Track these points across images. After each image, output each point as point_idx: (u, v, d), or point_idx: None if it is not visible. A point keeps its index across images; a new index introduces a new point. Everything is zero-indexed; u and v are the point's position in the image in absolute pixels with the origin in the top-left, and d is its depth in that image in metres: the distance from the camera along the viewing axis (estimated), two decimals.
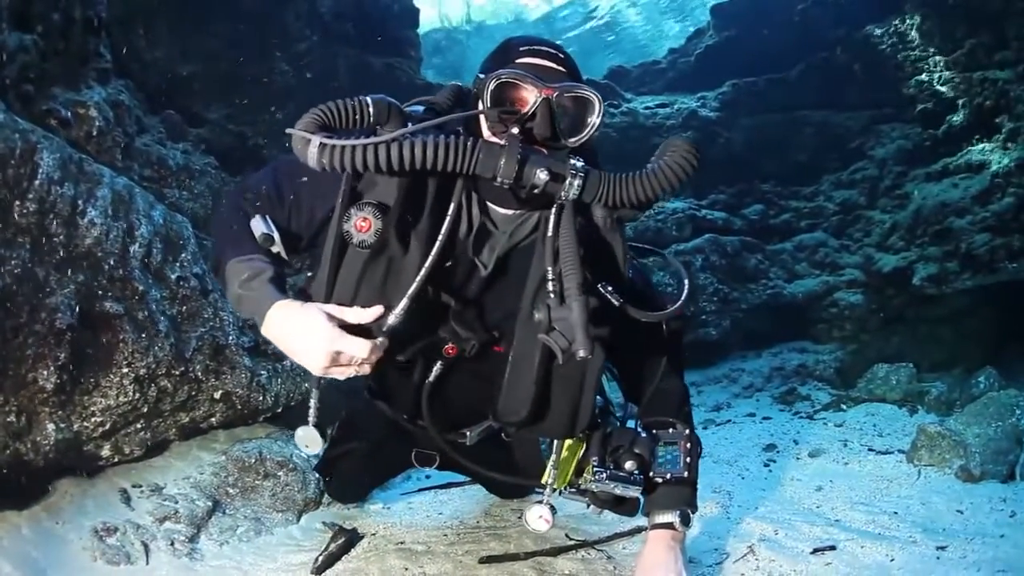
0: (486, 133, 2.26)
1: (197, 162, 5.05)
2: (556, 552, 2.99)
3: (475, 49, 27.57)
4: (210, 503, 3.37)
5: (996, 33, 8.36)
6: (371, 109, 2.12)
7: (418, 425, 2.79)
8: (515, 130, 2.17)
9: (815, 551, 2.96)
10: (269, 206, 2.41)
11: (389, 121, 2.14)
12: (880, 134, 9.55)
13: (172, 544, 3.05)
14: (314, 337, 2.13)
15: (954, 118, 8.72)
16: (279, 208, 2.42)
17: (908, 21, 9.60)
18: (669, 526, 2.57)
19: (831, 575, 2.75)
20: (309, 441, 2.53)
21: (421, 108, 2.45)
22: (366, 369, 2.23)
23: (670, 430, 2.64)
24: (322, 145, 1.98)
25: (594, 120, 2.26)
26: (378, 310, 2.22)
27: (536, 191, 2.13)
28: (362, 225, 2.19)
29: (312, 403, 2.53)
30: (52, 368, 2.97)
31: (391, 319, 2.23)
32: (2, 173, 2.90)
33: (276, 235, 2.32)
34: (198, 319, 3.71)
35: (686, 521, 2.56)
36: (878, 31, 9.89)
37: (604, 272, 2.31)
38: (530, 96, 2.20)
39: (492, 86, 2.20)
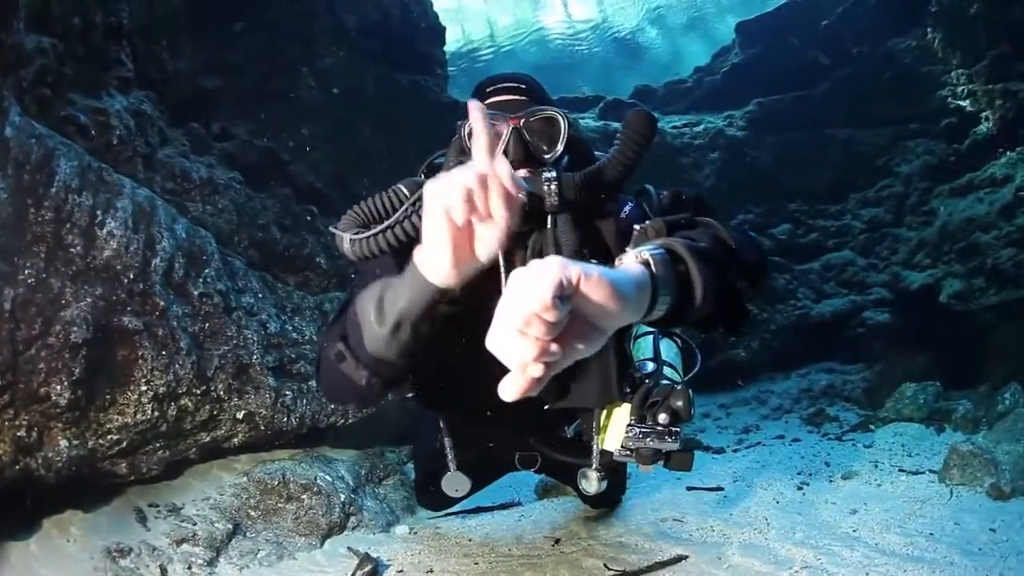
0: None
1: (221, 176, 4.98)
2: None
3: (499, 68, 27.81)
4: (230, 525, 3.29)
5: (1017, 44, 8.32)
6: (405, 192, 2.43)
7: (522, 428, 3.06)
8: None
9: None
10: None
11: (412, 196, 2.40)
12: (906, 150, 9.50)
13: (189, 568, 2.99)
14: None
15: (977, 131, 8.70)
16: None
17: (930, 35, 9.56)
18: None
19: None
20: (458, 485, 2.95)
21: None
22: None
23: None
24: (351, 240, 2.28)
25: (563, 132, 2.52)
26: None
27: (526, 208, 2.26)
28: None
29: (448, 450, 2.92)
30: (66, 383, 2.91)
31: None
32: (16, 178, 2.84)
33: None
34: (221, 337, 3.64)
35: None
36: (901, 45, 9.87)
37: (604, 246, 2.48)
38: (501, 129, 2.46)
39: (468, 131, 2.43)
